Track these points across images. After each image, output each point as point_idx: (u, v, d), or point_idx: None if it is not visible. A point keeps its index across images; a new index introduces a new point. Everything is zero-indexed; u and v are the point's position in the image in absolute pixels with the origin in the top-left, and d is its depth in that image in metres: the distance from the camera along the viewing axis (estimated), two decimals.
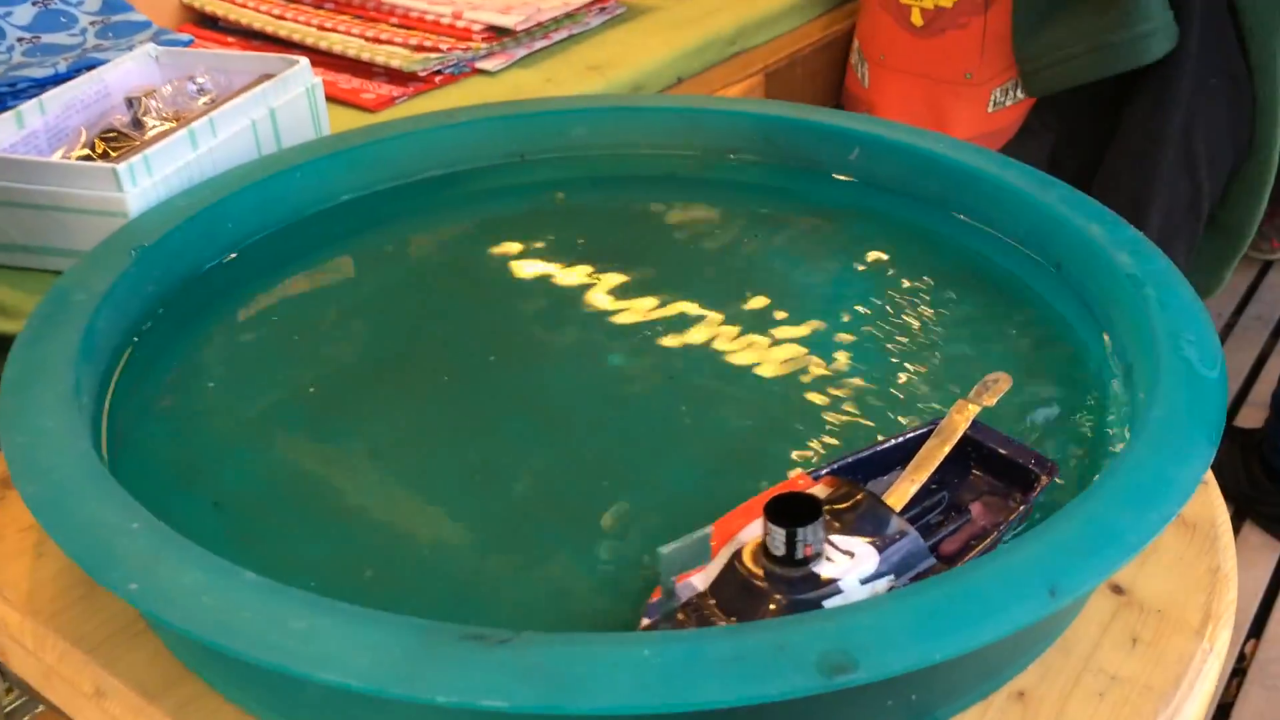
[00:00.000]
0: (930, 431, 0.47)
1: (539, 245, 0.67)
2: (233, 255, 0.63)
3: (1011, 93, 1.05)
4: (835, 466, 0.46)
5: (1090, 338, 0.55)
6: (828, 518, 0.41)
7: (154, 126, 0.71)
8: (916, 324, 0.58)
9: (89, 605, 0.45)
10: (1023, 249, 0.61)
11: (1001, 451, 0.46)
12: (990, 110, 1.06)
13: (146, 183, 0.62)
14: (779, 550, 0.39)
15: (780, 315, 0.59)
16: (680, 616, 0.39)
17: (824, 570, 0.39)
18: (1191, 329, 0.48)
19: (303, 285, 0.64)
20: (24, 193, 0.63)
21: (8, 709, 0.56)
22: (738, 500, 0.44)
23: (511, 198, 0.73)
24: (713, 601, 0.39)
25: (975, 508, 0.45)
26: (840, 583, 0.39)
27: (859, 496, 0.42)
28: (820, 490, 0.44)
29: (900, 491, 0.44)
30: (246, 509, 0.48)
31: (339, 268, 0.66)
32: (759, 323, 0.59)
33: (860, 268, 0.63)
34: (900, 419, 0.51)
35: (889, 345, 0.57)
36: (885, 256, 0.64)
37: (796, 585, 0.39)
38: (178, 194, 0.63)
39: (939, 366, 0.55)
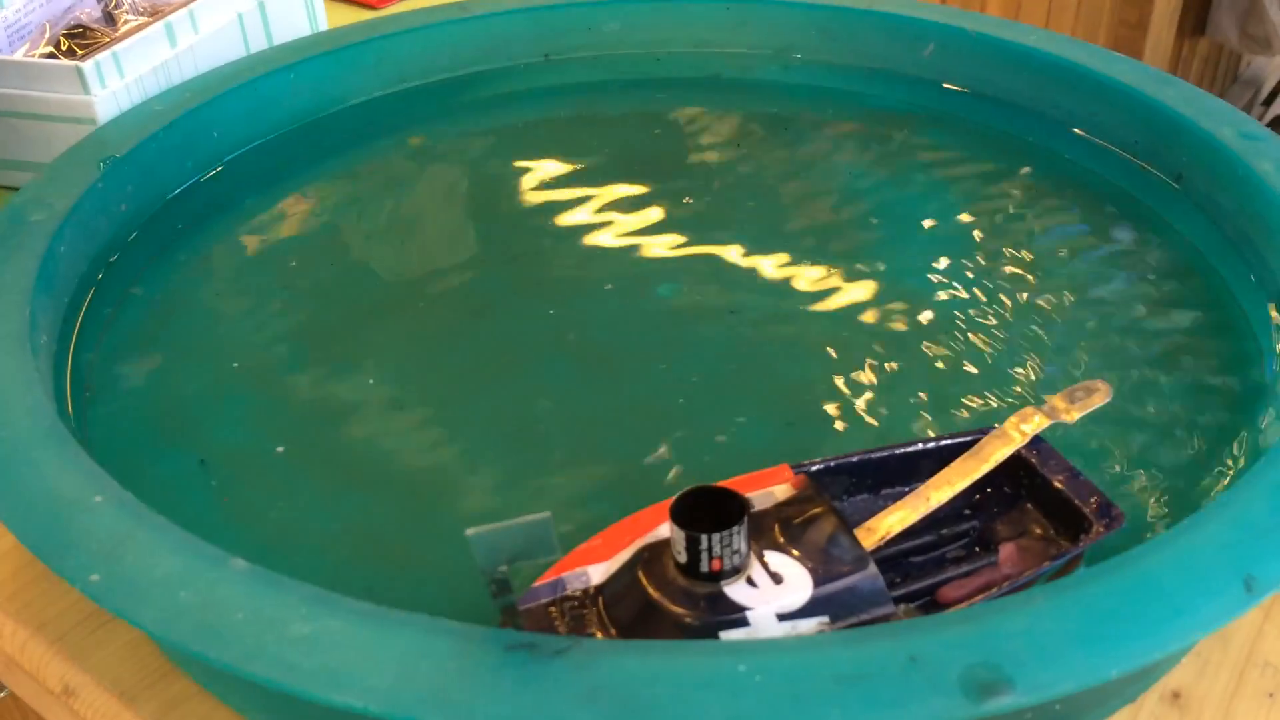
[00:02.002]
0: (976, 440, 0.36)
1: (567, 159, 0.58)
2: (217, 169, 0.55)
3: None
4: (832, 464, 0.36)
5: (1221, 262, 0.47)
6: (777, 528, 0.32)
7: (127, 22, 0.62)
8: (1007, 252, 0.50)
9: (52, 584, 0.38)
10: (1134, 159, 0.53)
11: (1056, 484, 0.35)
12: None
13: (117, 84, 0.54)
14: (680, 557, 0.30)
15: (845, 242, 0.51)
16: (551, 610, 0.31)
17: (735, 592, 0.30)
18: None
19: (299, 205, 0.56)
20: None
21: None
22: (797, 456, 0.36)
23: (534, 104, 0.64)
24: (599, 602, 0.32)
25: (1006, 550, 0.35)
26: (750, 613, 0.30)
27: (817, 509, 0.33)
28: (781, 491, 0.34)
29: (903, 512, 0.34)
30: (238, 468, 0.40)
31: (340, 184, 0.58)
32: (820, 250, 0.51)
33: (936, 183, 0.55)
34: (972, 368, 0.44)
35: (973, 276, 0.49)
36: (966, 170, 0.56)
37: (693, 604, 0.30)
38: (153, 97, 0.55)
39: (1033, 307, 0.47)
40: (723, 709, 0.26)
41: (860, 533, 0.34)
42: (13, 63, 0.54)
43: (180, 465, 0.40)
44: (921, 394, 0.42)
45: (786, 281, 0.49)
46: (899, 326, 0.46)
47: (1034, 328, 0.45)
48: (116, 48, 0.54)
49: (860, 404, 0.42)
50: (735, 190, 0.56)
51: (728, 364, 0.45)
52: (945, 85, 0.60)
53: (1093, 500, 0.35)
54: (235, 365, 0.45)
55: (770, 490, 0.35)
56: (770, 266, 0.50)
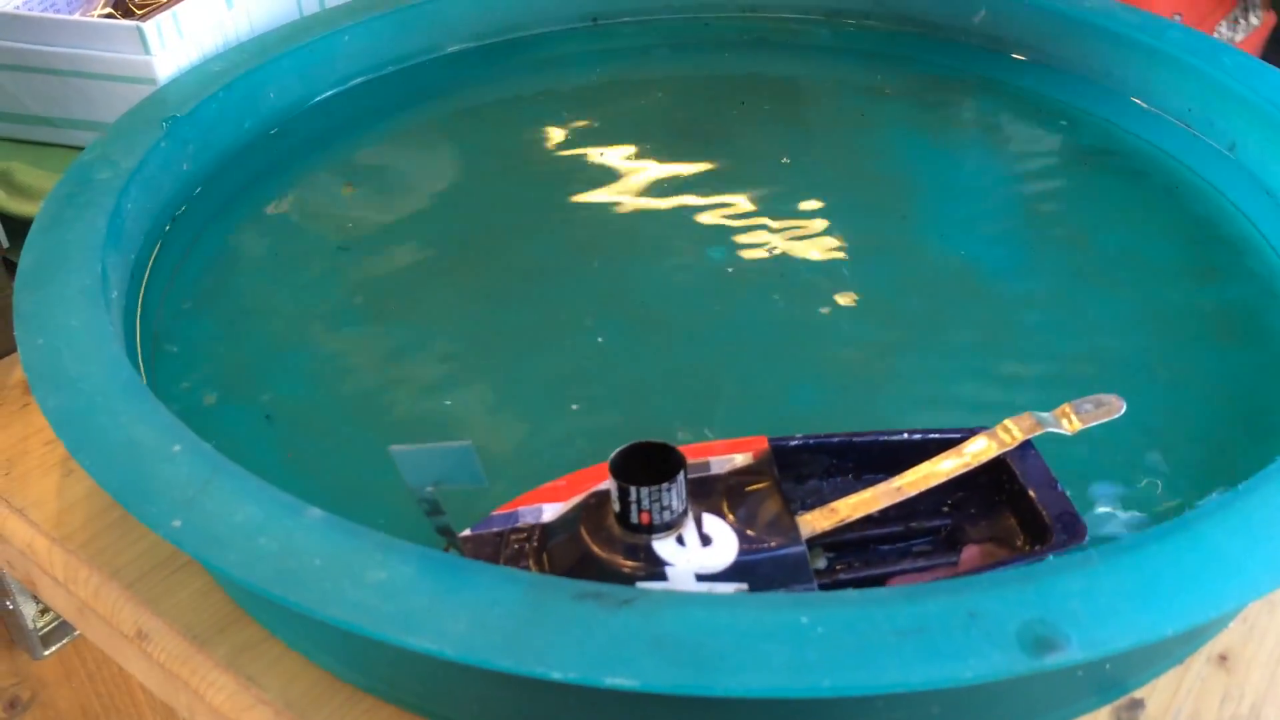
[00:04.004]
0: (965, 437, 0.36)
1: (614, 123, 0.59)
2: (275, 129, 0.56)
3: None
4: (811, 442, 0.36)
5: (1274, 232, 0.47)
6: (723, 493, 0.33)
7: None
8: (1058, 220, 0.50)
9: (126, 532, 0.39)
10: (1186, 127, 0.52)
11: (1030, 492, 0.34)
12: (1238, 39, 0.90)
13: (176, 45, 0.55)
14: (615, 507, 0.31)
15: (894, 209, 0.52)
16: (497, 540, 0.33)
17: (662, 547, 0.31)
18: None
19: (352, 165, 0.56)
20: (40, 55, 0.55)
21: (42, 631, 0.52)
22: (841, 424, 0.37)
23: (583, 66, 0.64)
24: (540, 539, 0.33)
25: (969, 551, 0.34)
26: (669, 569, 0.31)
27: (763, 483, 0.34)
28: (741, 459, 0.35)
29: (868, 498, 0.34)
30: (303, 423, 0.41)
31: (392, 145, 0.58)
32: (869, 216, 0.51)
33: (987, 150, 0.55)
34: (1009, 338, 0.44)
35: (1024, 246, 0.49)
36: (1017, 137, 0.56)
37: (619, 551, 0.31)
38: (211, 58, 0.55)
39: (1081, 275, 0.47)
40: (785, 659, 0.27)
41: (823, 512, 0.34)
42: (74, 22, 0.55)
43: (245, 418, 0.42)
44: (970, 364, 0.43)
45: (835, 246, 0.49)
46: (950, 295, 0.46)
47: (1080, 298, 0.46)
48: (175, 8, 0.55)
49: (906, 373, 0.43)
50: (783, 155, 0.56)
51: (777, 327, 0.45)
52: (996, 51, 0.59)
53: (1061, 512, 0.34)
54: (294, 321, 0.46)
55: (732, 457, 0.35)
56: (819, 230, 0.50)
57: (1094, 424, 0.35)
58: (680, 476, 0.31)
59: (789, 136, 0.58)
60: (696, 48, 0.65)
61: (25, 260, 0.41)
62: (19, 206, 0.52)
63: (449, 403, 0.43)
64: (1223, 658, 0.35)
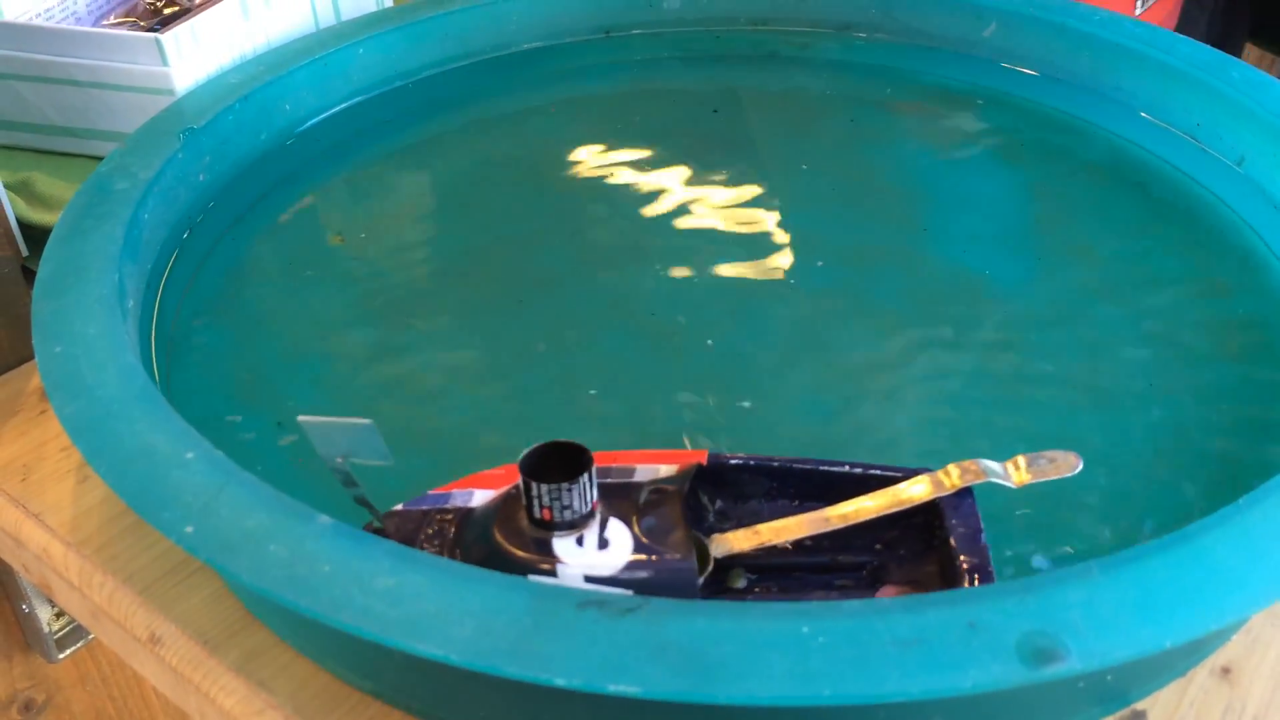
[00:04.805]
0: (907, 476, 0.35)
1: (626, 134, 0.59)
2: (290, 140, 0.57)
3: None
4: (752, 463, 0.36)
5: None
6: (636, 501, 0.33)
7: None
8: (1065, 234, 0.50)
9: (139, 538, 0.40)
10: (1195, 141, 0.53)
11: (951, 540, 0.34)
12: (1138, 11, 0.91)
13: (194, 56, 0.55)
14: (524, 501, 0.32)
15: (903, 222, 0.52)
16: (422, 519, 0.34)
17: (560, 545, 0.32)
18: None
19: (366, 177, 0.57)
20: (60, 66, 0.56)
21: (57, 634, 0.52)
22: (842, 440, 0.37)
23: (595, 79, 0.65)
24: (458, 523, 0.34)
25: (884, 592, 0.34)
26: (561, 566, 0.32)
27: (673, 496, 0.34)
28: (665, 470, 0.35)
29: (792, 525, 0.34)
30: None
31: (408, 156, 0.59)
32: (879, 229, 0.51)
33: (996, 164, 0.56)
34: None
35: (1032, 260, 0.49)
36: (1026, 151, 0.56)
37: (518, 543, 0.32)
38: (228, 70, 0.56)
39: (1089, 291, 0.47)
40: (787, 668, 0.27)
41: (746, 533, 0.34)
42: (95, 34, 0.55)
43: (256, 427, 0.42)
44: (973, 380, 0.43)
45: (844, 259, 0.50)
46: (956, 310, 0.46)
47: (1089, 314, 0.46)
48: (193, 20, 0.56)
49: (915, 391, 0.43)
50: (793, 167, 0.57)
51: (784, 340, 0.46)
52: (1005, 65, 0.60)
53: (975, 565, 0.33)
54: (307, 330, 0.47)
55: (658, 468, 0.35)
56: (828, 244, 0.51)
57: (1043, 479, 0.34)
58: (583, 479, 0.32)
59: (799, 148, 0.58)
60: (707, 60, 0.65)
61: (44, 269, 0.41)
62: (39, 216, 0.53)
63: (459, 410, 0.43)
64: (1225, 670, 0.35)
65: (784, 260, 0.50)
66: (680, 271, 0.49)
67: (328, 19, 0.64)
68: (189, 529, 0.31)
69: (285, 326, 0.47)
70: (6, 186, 0.55)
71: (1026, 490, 0.35)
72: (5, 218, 0.47)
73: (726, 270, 0.49)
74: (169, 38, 0.54)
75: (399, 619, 0.29)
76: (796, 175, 0.56)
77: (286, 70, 0.56)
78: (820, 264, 0.49)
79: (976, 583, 0.32)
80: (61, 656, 0.54)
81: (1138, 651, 0.27)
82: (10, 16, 0.58)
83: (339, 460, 0.33)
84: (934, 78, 0.61)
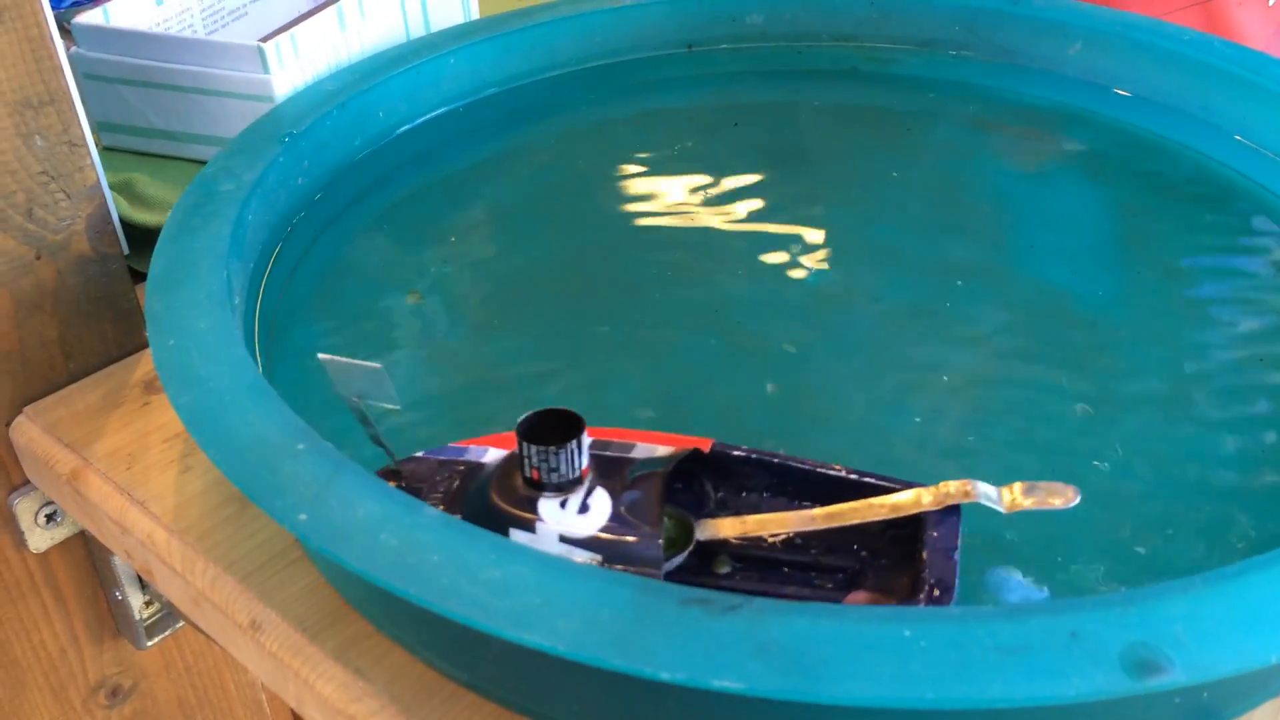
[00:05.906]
0: (900, 489, 0.36)
1: (709, 146, 0.60)
2: (381, 146, 0.58)
3: None
4: (753, 456, 0.37)
5: None
6: (624, 476, 0.35)
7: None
8: (1152, 259, 0.50)
9: (240, 527, 0.41)
10: None
11: (924, 552, 0.34)
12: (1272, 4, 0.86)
13: (293, 64, 0.57)
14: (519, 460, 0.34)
15: (985, 240, 0.52)
16: (439, 467, 0.37)
17: (544, 504, 0.34)
18: None
19: (456, 183, 0.58)
20: (165, 72, 0.58)
21: (147, 622, 0.54)
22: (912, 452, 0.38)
23: (676, 92, 0.66)
24: (464, 475, 0.36)
25: (855, 597, 0.35)
26: (540, 524, 0.34)
27: (657, 476, 0.35)
28: (662, 451, 0.37)
29: (779, 519, 0.35)
30: (409, 425, 0.43)
31: (494, 164, 0.60)
32: (960, 246, 0.52)
33: (1081, 184, 0.55)
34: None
35: (1117, 284, 0.49)
36: (1113, 172, 0.56)
37: (505, 496, 0.34)
38: (326, 77, 0.58)
39: (1176, 314, 0.47)
40: (890, 671, 0.28)
41: (733, 520, 0.36)
42: (199, 41, 0.57)
43: (351, 422, 0.43)
44: (1059, 400, 0.43)
45: (927, 274, 0.50)
46: (1044, 326, 0.47)
47: (1178, 337, 0.46)
48: (293, 30, 0.57)
49: (994, 405, 0.43)
50: (873, 182, 0.57)
51: (868, 352, 0.46)
52: (1092, 82, 0.60)
53: (939, 578, 0.33)
54: (398, 329, 0.48)
55: (656, 448, 0.37)
56: (910, 258, 0.51)
57: (1038, 508, 0.34)
58: (571, 445, 0.33)
59: (880, 164, 0.58)
60: (788, 75, 0.66)
61: (155, 265, 0.43)
62: (140, 215, 0.55)
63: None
64: None
65: (866, 275, 0.50)
66: (769, 280, 0.50)
67: (418, 30, 0.65)
68: (302, 517, 0.32)
69: (375, 326, 0.48)
70: (110, 187, 0.56)
71: (1129, 514, 0.35)
72: (111, 218, 0.49)
73: (810, 281, 0.50)
74: (270, 46, 0.56)
75: (506, 610, 0.29)
76: (882, 188, 0.56)
77: (381, 79, 0.57)
78: (906, 279, 0.50)
79: (935, 596, 0.33)
80: (150, 644, 0.55)
81: (1241, 666, 0.27)
82: (119, 24, 0.60)
83: (355, 399, 0.35)
84: (1018, 95, 0.61)
